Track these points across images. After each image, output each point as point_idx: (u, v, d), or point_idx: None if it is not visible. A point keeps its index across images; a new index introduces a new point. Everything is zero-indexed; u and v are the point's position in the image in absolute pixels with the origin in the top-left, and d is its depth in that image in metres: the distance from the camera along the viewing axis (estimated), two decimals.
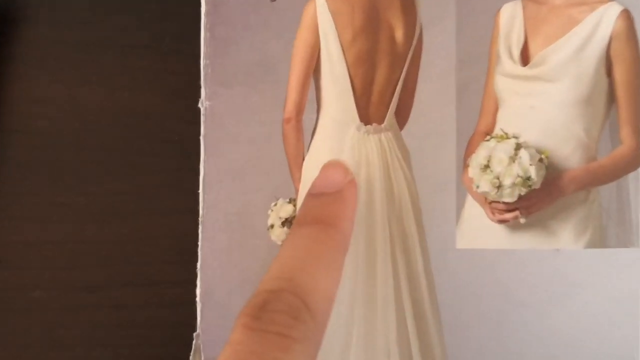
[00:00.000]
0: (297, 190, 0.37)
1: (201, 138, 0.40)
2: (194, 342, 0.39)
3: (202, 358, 0.38)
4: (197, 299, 0.38)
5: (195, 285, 0.41)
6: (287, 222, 0.36)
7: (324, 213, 0.19)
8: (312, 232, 0.19)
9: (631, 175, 0.35)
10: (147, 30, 0.49)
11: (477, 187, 0.35)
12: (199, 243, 0.39)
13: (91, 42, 0.49)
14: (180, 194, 0.45)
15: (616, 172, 0.35)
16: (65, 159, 0.48)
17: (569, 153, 0.35)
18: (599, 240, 0.35)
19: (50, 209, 0.47)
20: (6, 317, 0.46)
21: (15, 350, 0.46)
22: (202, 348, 0.38)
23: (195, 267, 0.41)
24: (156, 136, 0.48)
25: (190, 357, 0.39)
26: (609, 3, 0.35)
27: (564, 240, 0.35)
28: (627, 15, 0.35)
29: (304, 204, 0.20)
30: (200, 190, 0.38)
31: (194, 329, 0.40)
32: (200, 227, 0.39)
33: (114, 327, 0.45)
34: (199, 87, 0.42)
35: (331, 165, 0.21)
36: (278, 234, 0.36)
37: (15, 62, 0.49)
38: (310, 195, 0.20)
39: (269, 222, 0.37)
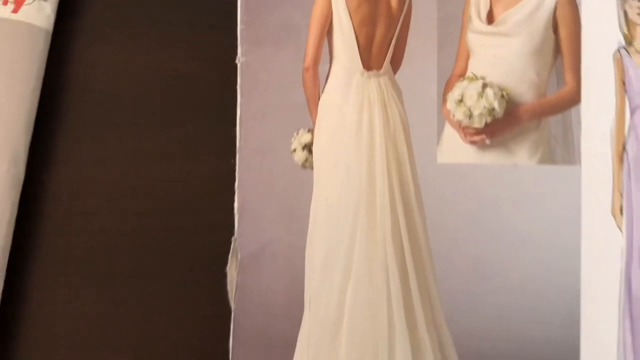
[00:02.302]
0: (314, 123, 0.45)
1: (238, 87, 0.49)
2: (232, 244, 0.47)
3: (239, 256, 0.47)
4: (235, 210, 0.47)
5: (232, 206, 0.49)
6: (306, 146, 0.45)
7: None
8: None
9: (573, 108, 0.45)
10: (188, 9, 0.56)
11: (454, 116, 0.43)
12: (237, 167, 0.47)
13: (144, 18, 0.56)
14: (220, 139, 0.51)
15: (561, 106, 0.44)
16: (123, 112, 0.54)
17: (524, 91, 0.44)
18: (549, 159, 0.44)
19: (110, 152, 0.53)
20: (71, 240, 0.52)
21: (75, 268, 0.52)
22: (239, 249, 0.47)
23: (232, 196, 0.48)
24: (197, 94, 0.54)
25: (229, 256, 0.47)
26: None
27: (521, 158, 0.44)
28: None
29: None
30: (238, 125, 0.47)
31: (232, 234, 0.48)
32: (237, 154, 0.47)
33: (162, 239, 0.51)
34: (233, 55, 0.50)
35: None
36: (299, 156, 0.45)
37: (85, 35, 0.56)
38: None
39: (292, 147, 0.45)
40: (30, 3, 0.52)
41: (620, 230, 0.45)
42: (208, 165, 0.53)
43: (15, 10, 0.52)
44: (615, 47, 0.46)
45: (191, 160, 0.53)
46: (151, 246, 0.52)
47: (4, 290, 0.49)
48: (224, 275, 0.48)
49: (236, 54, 0.49)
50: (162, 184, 0.53)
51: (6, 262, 0.49)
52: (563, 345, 0.42)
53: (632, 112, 0.45)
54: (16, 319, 0.50)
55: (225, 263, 0.47)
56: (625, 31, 0.46)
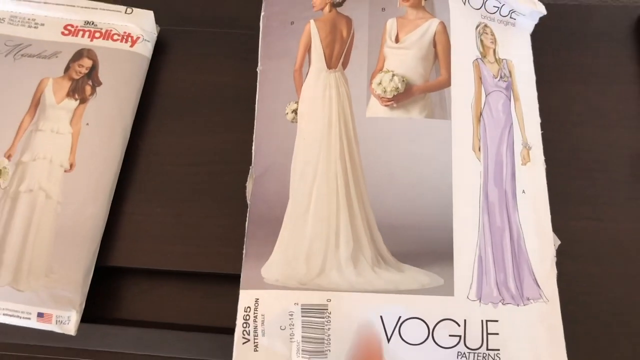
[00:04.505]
0: (299, 98, 0.70)
1: (257, 84, 0.73)
2: (250, 171, 0.65)
3: (254, 176, 0.67)
4: (253, 150, 0.70)
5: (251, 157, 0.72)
6: (294, 111, 0.70)
7: None
8: None
9: (446, 90, 0.72)
10: (231, 48, 0.80)
11: (376, 91, 0.70)
12: (255, 126, 0.71)
13: (204, 53, 0.80)
14: (247, 120, 0.70)
15: (438, 87, 0.68)
16: (190, 106, 0.75)
17: (416, 79, 0.68)
18: (431, 115, 0.67)
19: (181, 128, 0.73)
20: (154, 176, 0.70)
21: (155, 192, 0.70)
22: (254, 172, 0.69)
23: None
24: (234, 93, 0.76)
25: (248, 177, 0.65)
26: (434, 18, 0.75)
27: (414, 114, 0.68)
28: (442, 23, 0.74)
29: None
30: (257, 103, 0.70)
31: (249, 164, 0.66)
32: (255, 120, 0.72)
33: (210, 177, 0.72)
34: (255, 67, 0.73)
35: None
36: (290, 116, 0.67)
37: (169, 62, 0.79)
38: None
39: (286, 111, 0.68)
40: (141, 42, 0.84)
41: (479, 161, 0.72)
42: (240, 136, 0.71)
43: (132, 45, 0.85)
44: (474, 58, 0.76)
45: (230, 132, 0.73)
46: (203, 181, 0.70)
47: (113, 202, 0.68)
48: (244, 188, 0.65)
49: (257, 65, 0.72)
50: (211, 145, 0.72)
51: (114, 186, 0.68)
52: (442, 222, 0.67)
53: (487, 95, 0.74)
54: (133, 221, 0.69)
55: (245, 182, 0.66)
56: (481, 50, 0.75)
